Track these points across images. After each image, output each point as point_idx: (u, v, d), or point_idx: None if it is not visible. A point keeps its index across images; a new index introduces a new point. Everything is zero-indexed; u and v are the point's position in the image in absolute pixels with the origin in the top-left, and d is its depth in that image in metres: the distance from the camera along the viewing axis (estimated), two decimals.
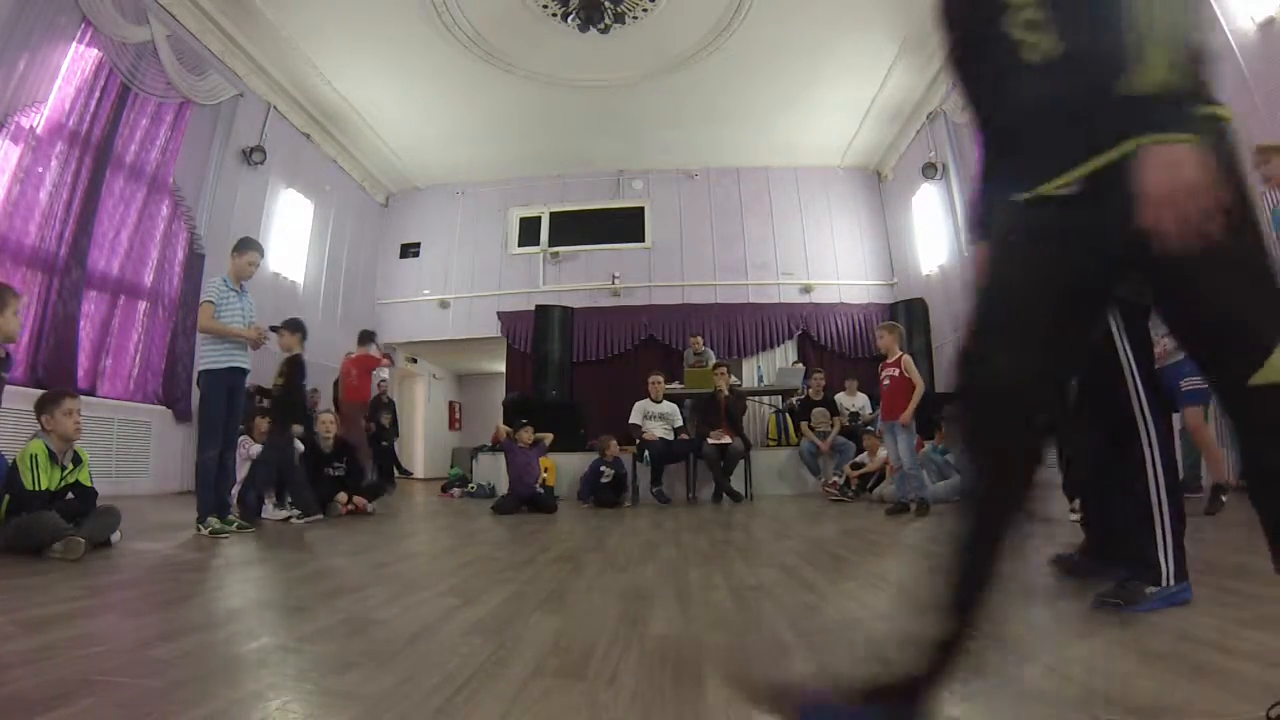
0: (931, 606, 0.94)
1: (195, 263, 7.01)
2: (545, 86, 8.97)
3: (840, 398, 7.45)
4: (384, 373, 7.43)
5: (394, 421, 9.55)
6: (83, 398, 3.40)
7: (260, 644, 1.50)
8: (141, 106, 6.46)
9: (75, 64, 5.77)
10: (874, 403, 6.92)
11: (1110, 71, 0.89)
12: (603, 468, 6.18)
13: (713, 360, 8.13)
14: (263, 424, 4.84)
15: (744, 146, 10.67)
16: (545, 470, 6.22)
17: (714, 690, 1.16)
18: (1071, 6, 0.97)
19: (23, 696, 1.10)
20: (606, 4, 7.20)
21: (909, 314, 9.04)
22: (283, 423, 4.66)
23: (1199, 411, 3.53)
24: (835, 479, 6.31)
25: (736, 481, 6.31)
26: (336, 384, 8.09)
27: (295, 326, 4.71)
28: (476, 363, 13.69)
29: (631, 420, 6.69)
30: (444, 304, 11.18)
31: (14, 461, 2.96)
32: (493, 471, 7.61)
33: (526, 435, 5.89)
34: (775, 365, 9.82)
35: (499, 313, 10.83)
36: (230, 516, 3.82)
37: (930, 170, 9.04)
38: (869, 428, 6.53)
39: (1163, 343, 3.47)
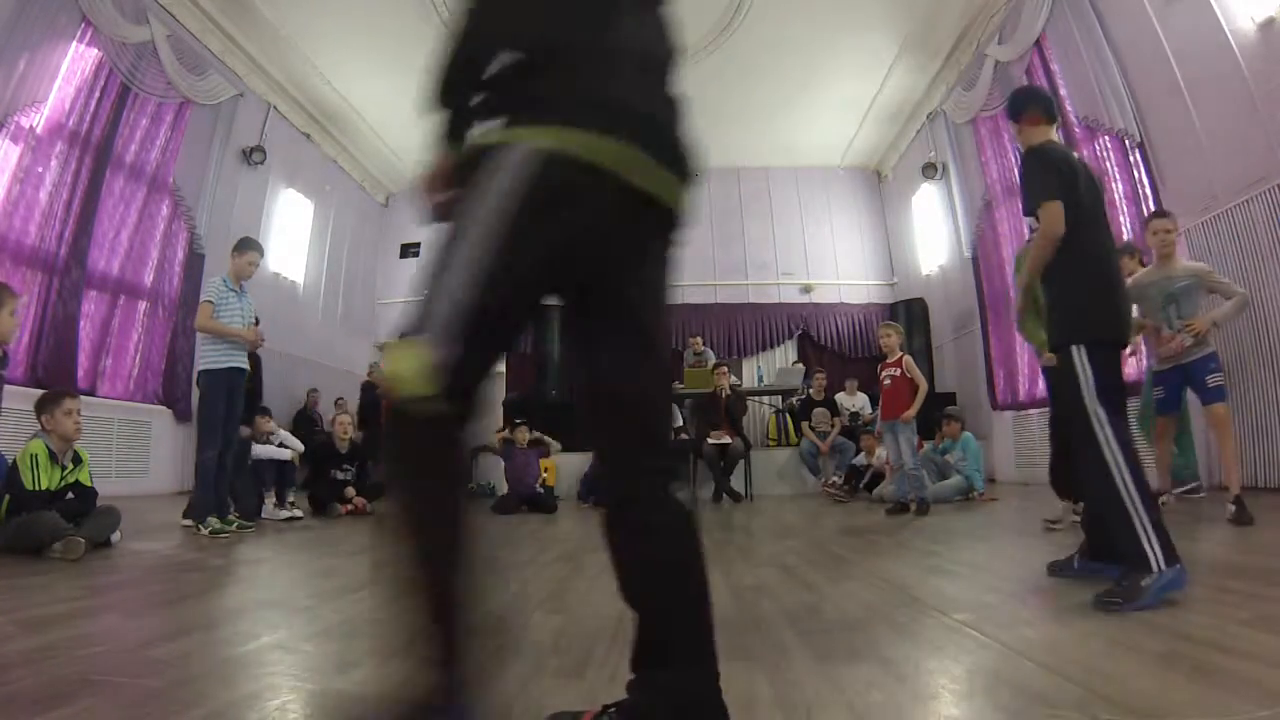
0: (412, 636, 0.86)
1: (195, 263, 7.01)
2: None
3: (840, 398, 7.45)
4: None
5: None
6: (83, 398, 3.40)
7: (260, 644, 1.50)
8: (141, 106, 6.46)
9: (75, 64, 5.77)
10: (873, 403, 6.91)
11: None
12: None
13: (712, 360, 8.13)
14: (263, 423, 4.84)
15: (744, 146, 10.66)
16: (545, 470, 6.22)
17: None
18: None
19: (23, 696, 1.10)
20: None
21: (909, 314, 9.04)
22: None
23: (1223, 408, 3.37)
24: (835, 479, 6.31)
25: (736, 481, 6.31)
26: (365, 387, 8.07)
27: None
28: None
29: None
30: None
31: (14, 461, 2.96)
32: (493, 471, 7.61)
33: (523, 435, 5.90)
34: (775, 365, 9.81)
35: None
36: (230, 516, 3.83)
37: (930, 170, 9.04)
38: (866, 427, 6.54)
39: (1179, 338, 3.40)
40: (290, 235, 9.06)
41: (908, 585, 2.10)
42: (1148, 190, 5.25)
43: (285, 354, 8.06)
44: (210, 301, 3.84)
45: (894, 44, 8.17)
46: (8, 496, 2.87)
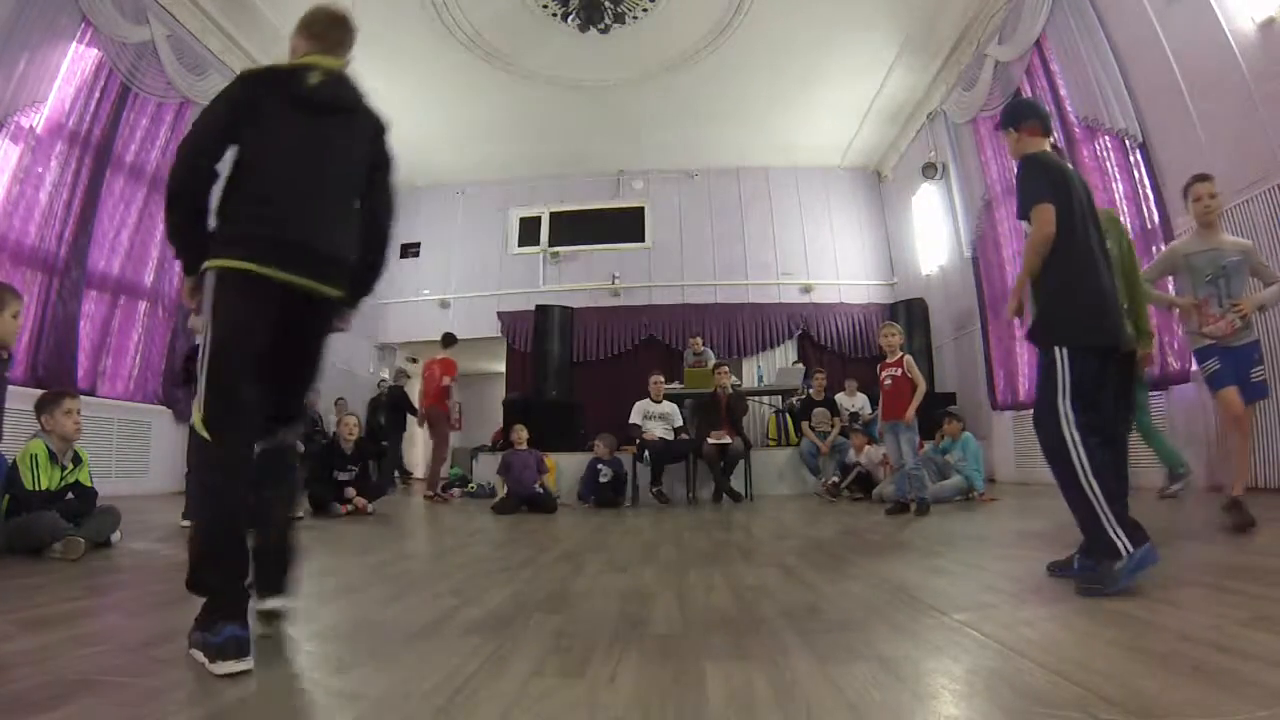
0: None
1: None
2: (545, 86, 8.98)
3: (840, 398, 7.45)
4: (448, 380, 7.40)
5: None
6: (83, 398, 3.40)
7: (260, 644, 1.50)
8: (141, 106, 6.46)
9: (75, 64, 5.77)
10: (873, 403, 6.92)
11: None
12: (600, 466, 6.18)
13: (712, 360, 8.13)
14: None
15: (744, 146, 10.67)
16: (547, 470, 6.22)
17: (714, 690, 1.16)
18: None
19: (23, 696, 1.10)
20: (606, 4, 7.21)
21: (909, 314, 9.04)
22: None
23: (1252, 408, 3.08)
24: (835, 478, 6.31)
25: (736, 481, 6.31)
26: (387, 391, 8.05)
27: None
28: (476, 363, 13.67)
29: (631, 420, 6.69)
30: (444, 304, 11.18)
31: (14, 461, 2.96)
32: (493, 471, 7.61)
33: (520, 435, 5.91)
34: (775, 365, 9.82)
35: (499, 313, 10.83)
36: None
37: (930, 170, 9.04)
38: (856, 425, 6.54)
39: (1229, 318, 3.08)
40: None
41: (908, 585, 2.10)
42: (1148, 190, 5.25)
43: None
44: None
45: (894, 44, 8.17)
46: (8, 496, 2.87)
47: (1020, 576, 2.13)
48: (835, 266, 10.91)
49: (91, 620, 1.76)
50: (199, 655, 1.26)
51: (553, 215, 11.33)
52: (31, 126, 5.35)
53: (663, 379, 6.91)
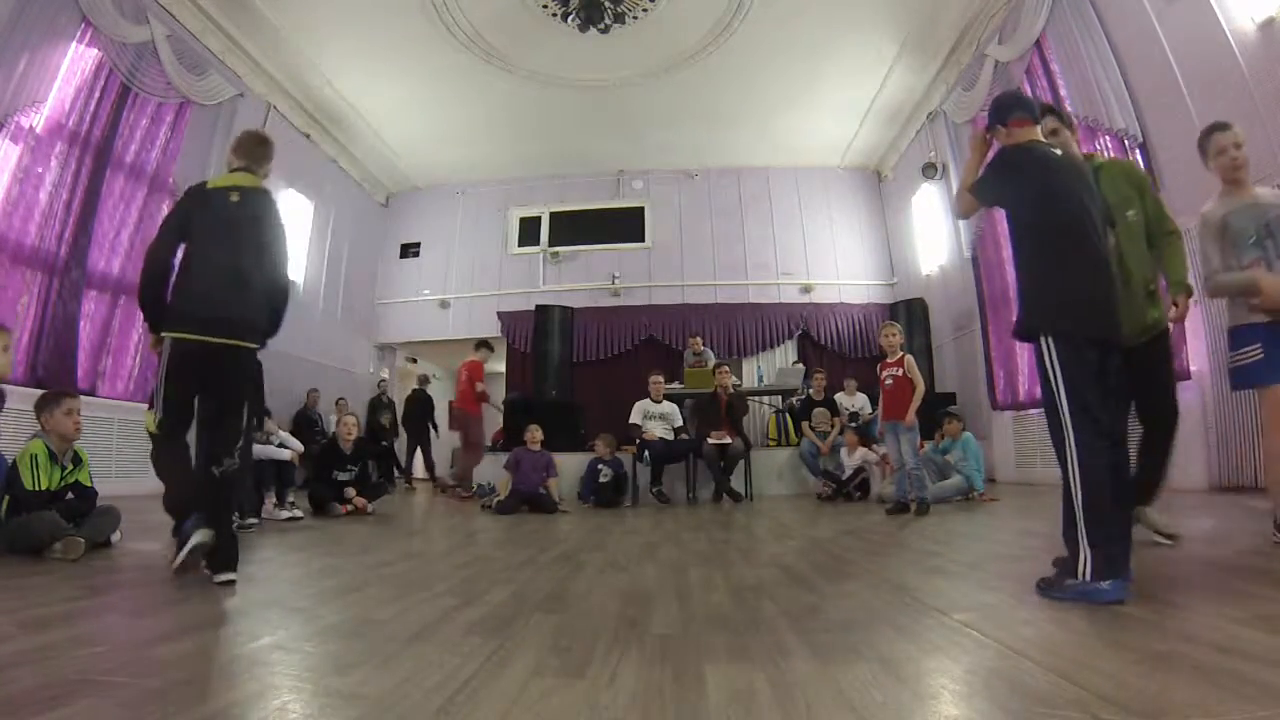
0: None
1: None
2: (545, 86, 8.98)
3: (840, 398, 7.44)
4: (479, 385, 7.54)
5: (394, 422, 9.55)
6: (83, 398, 3.40)
7: (260, 644, 1.50)
8: (141, 106, 6.46)
9: (75, 64, 5.77)
10: (873, 402, 6.91)
11: None
12: (600, 466, 6.18)
13: (712, 360, 8.13)
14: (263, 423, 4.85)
15: (744, 147, 10.67)
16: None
17: (714, 690, 1.16)
18: None
19: (23, 696, 1.10)
20: (606, 4, 7.21)
21: (909, 314, 9.05)
22: None
23: None
24: (830, 486, 6.30)
25: (736, 481, 6.31)
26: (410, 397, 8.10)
27: None
28: None
29: (631, 420, 6.69)
30: (444, 304, 11.18)
31: (14, 461, 2.96)
32: (493, 471, 7.60)
33: (534, 435, 5.89)
34: (775, 365, 9.81)
35: (499, 313, 10.83)
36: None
37: (930, 170, 9.04)
38: (852, 425, 6.54)
39: None
40: (290, 235, 9.05)
41: (908, 585, 2.10)
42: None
43: (285, 354, 8.06)
44: None
45: (894, 44, 8.17)
46: (8, 496, 2.87)
47: (1020, 576, 2.13)
48: (835, 266, 10.92)
49: (91, 620, 1.76)
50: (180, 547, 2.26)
51: (553, 215, 11.33)
52: (31, 126, 5.35)
53: (663, 379, 6.91)
